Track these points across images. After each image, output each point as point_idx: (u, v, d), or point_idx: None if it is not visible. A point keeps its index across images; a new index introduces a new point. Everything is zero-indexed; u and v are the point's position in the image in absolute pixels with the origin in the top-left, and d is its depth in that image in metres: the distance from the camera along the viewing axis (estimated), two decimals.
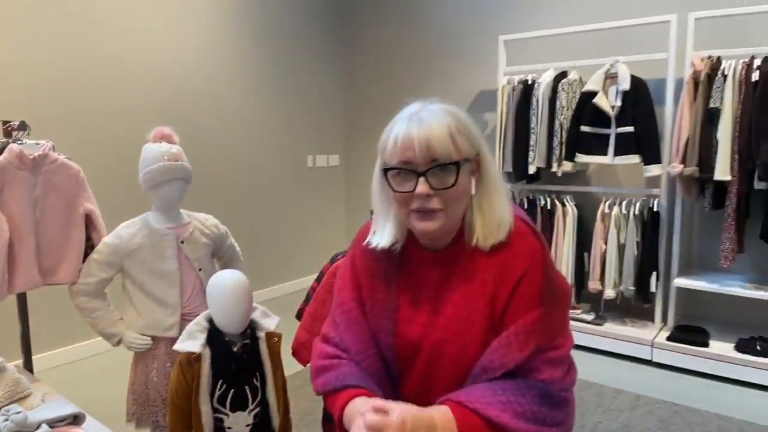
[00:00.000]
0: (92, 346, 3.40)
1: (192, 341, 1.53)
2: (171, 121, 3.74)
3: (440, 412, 0.93)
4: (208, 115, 4.11)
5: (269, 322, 1.65)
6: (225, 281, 1.56)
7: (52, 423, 1.16)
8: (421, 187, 0.96)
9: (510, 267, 0.99)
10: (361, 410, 0.95)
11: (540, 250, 1.02)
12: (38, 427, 1.13)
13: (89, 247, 1.85)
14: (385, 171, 1.00)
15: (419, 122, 0.97)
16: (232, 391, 1.54)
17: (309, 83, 4.99)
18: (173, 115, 3.82)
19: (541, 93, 3.70)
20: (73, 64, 3.29)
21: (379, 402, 0.94)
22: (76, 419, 1.22)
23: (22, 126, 1.76)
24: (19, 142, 1.74)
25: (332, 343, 1.15)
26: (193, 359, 1.50)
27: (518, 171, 3.85)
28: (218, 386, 1.53)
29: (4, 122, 1.80)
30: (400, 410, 0.90)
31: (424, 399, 1.00)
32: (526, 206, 3.84)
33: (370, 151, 5.27)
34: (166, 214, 1.84)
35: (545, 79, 3.72)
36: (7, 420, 1.10)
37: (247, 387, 1.56)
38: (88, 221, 1.85)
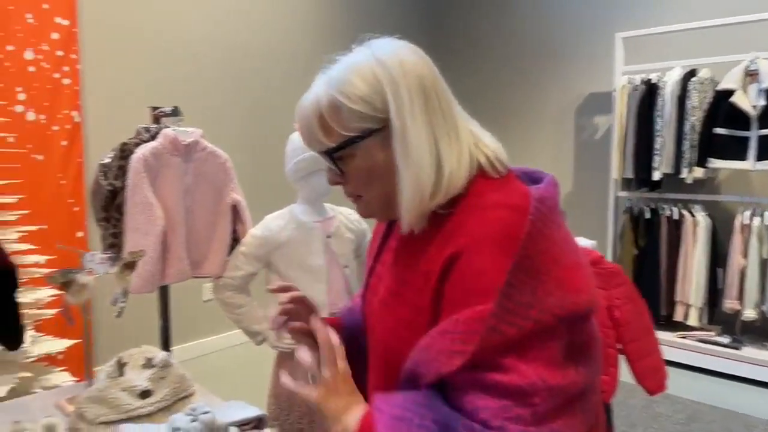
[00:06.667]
0: (222, 341, 3.29)
1: None
2: (266, 119, 3.76)
3: (354, 413, 0.75)
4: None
5: None
6: None
7: (238, 425, 1.04)
8: (328, 175, 0.86)
9: (449, 240, 0.75)
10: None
11: (510, 226, 0.71)
12: (226, 429, 1.01)
13: (233, 239, 1.77)
14: None
15: (300, 110, 0.81)
16: None
17: None
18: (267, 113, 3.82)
19: (668, 93, 3.42)
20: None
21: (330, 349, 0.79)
22: (260, 422, 1.10)
23: (175, 112, 1.69)
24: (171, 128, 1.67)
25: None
26: None
27: (639, 177, 3.56)
28: None
29: (154, 108, 1.74)
30: (324, 383, 0.77)
31: (377, 379, 0.84)
32: (648, 216, 3.55)
33: None
34: (313, 206, 1.73)
35: (672, 78, 3.43)
36: (195, 420, 0.99)
37: None
38: (234, 212, 1.76)
